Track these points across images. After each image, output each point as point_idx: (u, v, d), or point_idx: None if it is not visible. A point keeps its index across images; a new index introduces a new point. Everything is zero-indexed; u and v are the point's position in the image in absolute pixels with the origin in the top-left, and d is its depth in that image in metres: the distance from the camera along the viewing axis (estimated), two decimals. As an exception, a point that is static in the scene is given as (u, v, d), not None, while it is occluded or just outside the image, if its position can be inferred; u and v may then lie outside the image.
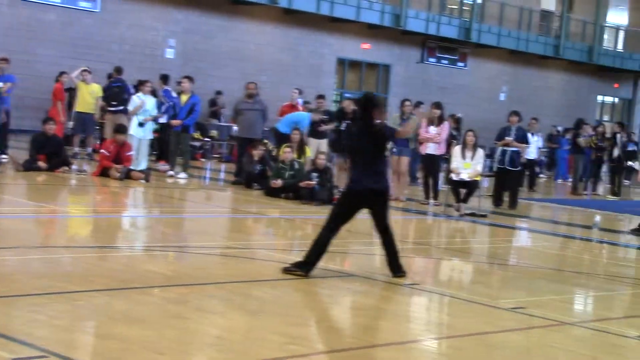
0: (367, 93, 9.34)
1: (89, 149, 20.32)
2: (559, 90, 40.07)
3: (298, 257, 9.05)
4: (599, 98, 42.93)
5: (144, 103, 17.52)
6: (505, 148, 17.08)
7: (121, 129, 16.97)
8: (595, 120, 38.49)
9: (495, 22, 36.08)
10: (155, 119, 18.12)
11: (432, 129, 16.61)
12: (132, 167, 16.73)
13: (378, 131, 8.72)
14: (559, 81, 40.15)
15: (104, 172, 16.43)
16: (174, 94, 18.45)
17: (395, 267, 8.86)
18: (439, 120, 16.70)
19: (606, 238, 14.89)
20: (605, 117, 43.25)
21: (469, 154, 15.62)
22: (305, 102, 24.08)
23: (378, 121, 8.78)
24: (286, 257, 9.94)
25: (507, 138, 17.03)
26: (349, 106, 17.72)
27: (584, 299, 9.32)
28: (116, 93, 19.34)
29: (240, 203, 15.25)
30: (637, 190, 25.75)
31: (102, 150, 16.89)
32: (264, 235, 12.11)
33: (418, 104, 20.29)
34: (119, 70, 20.19)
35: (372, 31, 32.75)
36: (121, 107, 18.73)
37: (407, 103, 17.19)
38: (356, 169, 8.81)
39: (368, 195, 8.71)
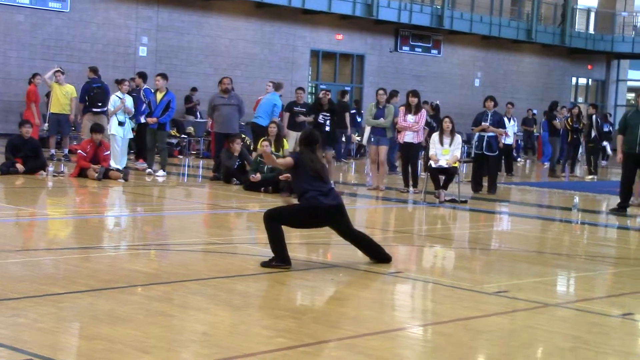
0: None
1: (66, 150, 20.23)
2: (532, 73, 40.22)
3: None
4: (573, 80, 43.12)
5: (124, 102, 17.47)
6: (483, 133, 17.14)
7: (98, 128, 16.90)
8: (570, 102, 38.70)
9: (467, 9, 36.14)
10: (133, 117, 18.10)
11: (410, 118, 16.64)
12: (113, 167, 16.70)
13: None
14: (532, 65, 40.30)
15: (82, 173, 16.37)
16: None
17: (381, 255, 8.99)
18: (416, 109, 16.73)
19: (586, 219, 14.97)
20: (580, 99, 43.47)
21: (447, 140, 15.65)
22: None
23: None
24: (268, 250, 9.93)
25: (483, 123, 17.10)
26: (325, 97, 17.76)
27: (566, 280, 9.37)
28: (98, 94, 19.29)
29: (220, 198, 15.22)
30: (614, 170, 25.87)
31: (79, 151, 16.82)
32: (245, 230, 12.09)
33: (394, 92, 20.34)
34: (95, 70, 20.10)
35: (345, 22, 32.74)
36: (105, 108, 18.68)
37: (381, 92, 17.20)
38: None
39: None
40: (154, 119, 17.56)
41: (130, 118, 17.89)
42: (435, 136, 15.89)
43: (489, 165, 17.37)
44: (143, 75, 19.29)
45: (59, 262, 8.67)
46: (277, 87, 19.60)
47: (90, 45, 26.81)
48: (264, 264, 8.65)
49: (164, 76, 17.98)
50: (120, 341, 5.78)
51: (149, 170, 17.77)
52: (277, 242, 8.67)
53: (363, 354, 5.83)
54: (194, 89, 27.79)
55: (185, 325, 6.40)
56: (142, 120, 18.53)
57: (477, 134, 17.25)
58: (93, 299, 7.03)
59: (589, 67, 43.16)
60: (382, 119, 16.87)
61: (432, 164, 15.57)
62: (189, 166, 21.72)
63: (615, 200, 15.79)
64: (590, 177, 23.45)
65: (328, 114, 17.28)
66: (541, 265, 9.85)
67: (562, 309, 7.58)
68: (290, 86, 28.51)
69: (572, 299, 8.20)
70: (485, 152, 17.09)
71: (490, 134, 17.08)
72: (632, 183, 15.20)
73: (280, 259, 8.61)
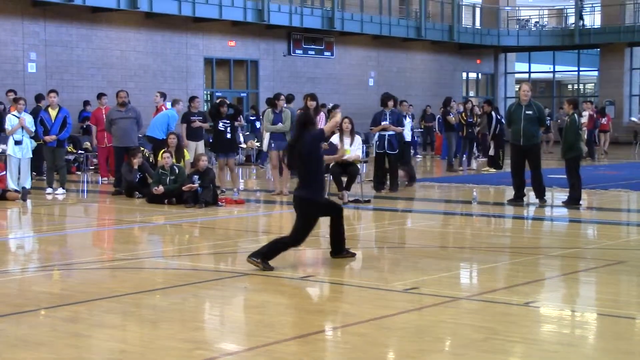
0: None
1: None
2: (424, 70, 40.92)
3: (188, 261, 9.07)
4: (463, 75, 44.05)
5: (23, 121, 17.09)
6: (383, 133, 17.36)
7: None
8: (462, 97, 39.52)
9: (357, 10, 36.55)
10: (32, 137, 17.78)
11: (308, 121, 16.74)
12: (10, 187, 16.37)
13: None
14: (424, 62, 40.99)
15: (-23, 196, 15.99)
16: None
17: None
18: (315, 112, 16.86)
19: (485, 211, 15.35)
20: (471, 93, 44.45)
21: (347, 140, 15.84)
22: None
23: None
24: (174, 262, 9.92)
25: (384, 123, 17.32)
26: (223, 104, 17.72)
27: (471, 273, 9.62)
28: None
29: (123, 213, 15.07)
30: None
31: (-28, 174, 16.44)
32: (151, 244, 12.01)
33: (290, 96, 20.44)
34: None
35: (237, 28, 32.73)
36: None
37: (282, 97, 17.37)
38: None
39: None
40: (53, 137, 17.28)
41: (31, 137, 17.50)
42: (335, 137, 16.04)
43: (390, 163, 17.61)
44: (38, 97, 19.24)
45: (-36, 289, 8.48)
46: (174, 103, 19.46)
47: (-24, 64, 26.17)
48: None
49: (56, 92, 17.74)
50: (37, 366, 5.73)
51: (49, 189, 17.47)
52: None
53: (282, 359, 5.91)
54: (86, 103, 27.34)
55: (102, 344, 6.36)
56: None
57: (377, 133, 17.47)
58: (5, 324, 6.92)
59: (478, 61, 44.18)
60: (280, 124, 16.96)
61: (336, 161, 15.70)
62: (88, 182, 21.40)
63: (511, 191, 16.23)
64: (485, 169, 24.03)
65: (228, 121, 17.27)
66: (446, 260, 10.09)
67: (470, 302, 7.79)
68: (185, 95, 28.38)
69: (478, 291, 8.43)
70: (387, 151, 17.33)
71: (391, 132, 17.34)
72: (522, 173, 15.63)
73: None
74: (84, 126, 26.46)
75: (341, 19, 35.02)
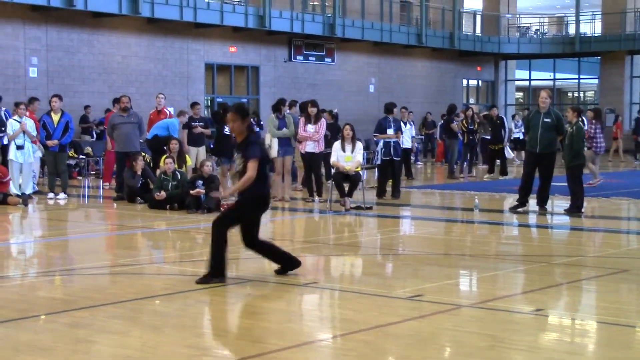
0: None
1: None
2: (425, 77, 40.95)
3: (190, 267, 9.09)
4: (464, 82, 44.08)
5: (24, 125, 17.10)
6: (388, 140, 17.35)
7: None
8: (462, 104, 39.53)
9: (357, 16, 36.58)
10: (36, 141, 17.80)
11: (310, 127, 16.78)
12: (12, 192, 16.38)
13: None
14: (424, 68, 41.03)
15: (-21, 200, 15.99)
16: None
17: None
18: (316, 118, 16.88)
19: (487, 218, 15.34)
20: (472, 100, 44.45)
21: (348, 147, 15.85)
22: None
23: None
24: (177, 268, 9.92)
25: (389, 131, 17.31)
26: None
27: (476, 280, 9.60)
28: (2, 120, 18.90)
29: (125, 218, 15.06)
30: (511, 168, 26.55)
31: (-27, 178, 16.43)
32: (153, 249, 12.00)
33: (292, 102, 20.46)
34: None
35: (238, 34, 32.75)
36: (4, 134, 18.24)
37: (287, 103, 17.50)
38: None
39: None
40: (55, 142, 17.30)
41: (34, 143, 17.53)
42: (337, 144, 16.06)
43: (393, 170, 17.63)
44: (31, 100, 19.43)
45: (-32, 294, 8.46)
46: (179, 114, 19.48)
47: (-23, 69, 26.18)
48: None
49: (59, 97, 17.76)
50: (43, 371, 5.72)
51: (50, 194, 17.47)
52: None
53: (289, 367, 5.90)
54: (87, 107, 27.32)
55: (108, 350, 6.35)
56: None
57: (382, 140, 17.44)
58: (10, 330, 6.91)
59: (479, 68, 44.21)
60: (285, 129, 17.01)
61: (338, 169, 15.72)
62: (89, 187, 21.39)
63: (514, 197, 16.22)
64: (487, 176, 24.02)
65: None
66: (450, 267, 10.08)
67: (476, 309, 7.78)
68: (186, 100, 28.40)
69: (483, 298, 8.41)
70: (393, 158, 17.34)
71: (395, 139, 17.39)
72: (532, 181, 15.61)
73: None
74: (97, 131, 26.49)
75: (342, 26, 35.05)
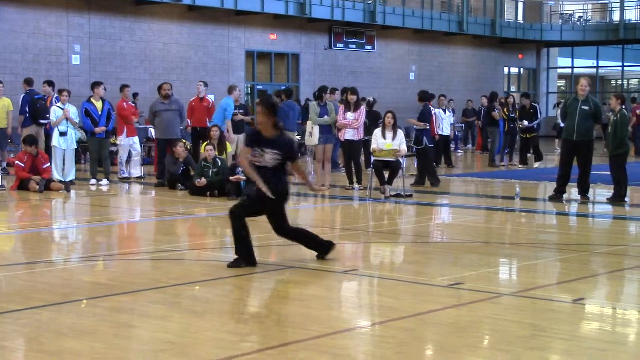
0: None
1: (4, 164, 19.96)
2: (466, 64, 40.72)
3: (229, 254, 9.16)
4: (505, 69, 43.76)
5: (67, 112, 17.28)
6: (421, 128, 17.59)
7: (30, 140, 16.72)
8: (504, 92, 39.28)
9: (398, 3, 36.46)
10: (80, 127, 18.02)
11: (349, 115, 16.76)
12: (55, 178, 16.56)
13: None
14: (465, 56, 40.79)
15: (23, 186, 16.19)
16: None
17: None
18: (355, 106, 16.86)
19: (528, 207, 15.24)
20: (513, 88, 44.13)
21: (389, 134, 15.82)
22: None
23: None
24: (218, 254, 9.97)
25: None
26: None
27: (516, 269, 9.55)
28: (44, 106, 19.12)
29: (166, 205, 15.17)
30: (550, 157, 26.35)
31: (16, 162, 16.60)
32: (194, 236, 12.08)
33: (332, 90, 20.46)
34: (29, 81, 19.89)
35: (279, 21, 32.79)
36: (48, 120, 18.47)
37: (330, 91, 17.57)
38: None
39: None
40: (102, 128, 17.50)
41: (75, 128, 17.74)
42: (377, 131, 16.03)
43: (428, 157, 17.84)
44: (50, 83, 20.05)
45: (11, 278, 8.58)
46: (230, 90, 19.42)
47: (21, 56, 26.46)
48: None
49: (102, 84, 17.95)
50: (86, 355, 5.79)
51: (93, 180, 17.64)
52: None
53: (329, 353, 5.91)
54: (135, 95, 27.50)
55: (150, 334, 6.41)
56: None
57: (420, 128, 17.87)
58: (53, 313, 7.00)
59: (520, 56, 43.86)
60: (326, 117, 17.03)
61: (376, 156, 15.73)
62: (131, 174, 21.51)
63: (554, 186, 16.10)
64: (537, 164, 23.75)
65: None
66: (491, 256, 10.04)
67: (516, 298, 7.75)
68: (225, 88, 28.48)
69: (524, 287, 8.37)
70: (427, 145, 17.64)
71: (427, 127, 17.66)
72: (569, 170, 15.46)
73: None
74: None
75: (382, 13, 34.94)
